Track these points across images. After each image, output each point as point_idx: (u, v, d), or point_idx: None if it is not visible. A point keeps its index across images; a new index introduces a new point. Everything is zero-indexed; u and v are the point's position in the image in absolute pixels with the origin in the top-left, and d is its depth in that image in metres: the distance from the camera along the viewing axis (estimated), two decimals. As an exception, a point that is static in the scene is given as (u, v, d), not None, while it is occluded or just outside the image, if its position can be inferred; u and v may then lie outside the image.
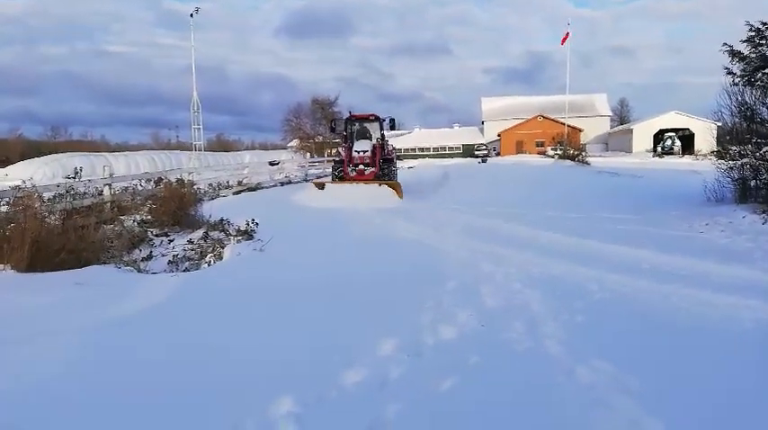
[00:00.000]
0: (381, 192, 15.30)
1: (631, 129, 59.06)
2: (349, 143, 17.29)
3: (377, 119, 18.12)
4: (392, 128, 17.87)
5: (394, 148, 19.25)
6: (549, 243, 8.01)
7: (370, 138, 17.46)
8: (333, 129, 19.57)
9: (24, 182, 8.60)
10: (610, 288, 5.49)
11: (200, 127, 40.03)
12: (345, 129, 17.97)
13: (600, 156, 44.41)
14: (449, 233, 9.34)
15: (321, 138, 48.78)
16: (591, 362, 3.69)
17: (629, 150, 55.03)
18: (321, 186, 16.23)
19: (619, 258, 6.84)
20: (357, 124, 17.98)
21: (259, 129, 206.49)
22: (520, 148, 60.77)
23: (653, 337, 4.17)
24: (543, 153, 48.50)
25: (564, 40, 51.57)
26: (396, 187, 15.58)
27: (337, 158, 18.23)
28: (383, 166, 16.66)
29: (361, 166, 16.05)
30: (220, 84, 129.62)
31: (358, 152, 16.27)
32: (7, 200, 8.16)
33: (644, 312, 4.75)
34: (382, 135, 17.87)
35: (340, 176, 16.79)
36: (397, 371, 3.62)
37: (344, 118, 18.04)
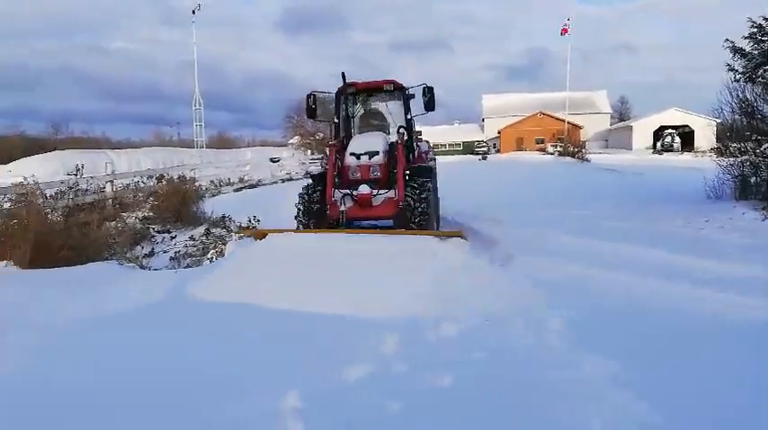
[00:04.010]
0: (421, 263, 5.88)
1: (631, 127, 59.06)
2: (340, 137, 8.49)
3: (398, 91, 8.66)
4: (429, 106, 8.24)
5: (430, 147, 10.05)
6: (548, 240, 8.02)
7: (383, 128, 8.90)
8: (312, 112, 8.63)
9: (26, 178, 8.64)
10: (605, 285, 5.52)
11: (202, 124, 40.15)
12: (338, 111, 8.75)
13: (600, 153, 44.46)
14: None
15: (322, 135, 48.73)
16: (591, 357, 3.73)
17: (628, 147, 55.04)
18: (262, 236, 7.01)
19: (616, 255, 6.85)
20: (360, 100, 9.27)
21: (260, 127, 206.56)
22: (520, 145, 60.76)
23: (652, 334, 4.21)
24: (543, 150, 48.52)
25: (564, 31, 51.61)
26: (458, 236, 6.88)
27: (315, 171, 8.79)
28: (413, 186, 7.44)
29: (364, 188, 7.33)
30: (220, 81, 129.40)
31: (356, 156, 7.69)
32: (9, 196, 8.20)
33: (638, 306, 4.79)
34: (409, 122, 8.59)
35: (309, 216, 7.64)
36: None
37: (337, 89, 8.59)
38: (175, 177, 13.03)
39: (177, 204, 11.28)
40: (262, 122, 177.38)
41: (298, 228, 7.55)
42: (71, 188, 10.27)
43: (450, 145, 67.07)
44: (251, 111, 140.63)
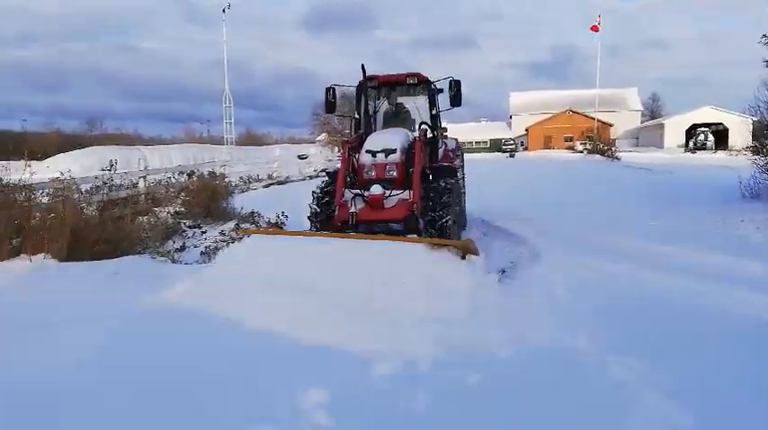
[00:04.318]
0: (419, 275, 5.20)
1: (663, 124, 57.94)
2: (359, 133, 8.09)
3: (423, 84, 8.27)
4: (456, 101, 7.88)
5: (458, 145, 9.57)
6: (579, 240, 7.94)
7: (407, 124, 8.54)
8: (331, 106, 8.38)
9: (63, 173, 8.87)
10: (639, 284, 5.45)
11: (232, 121, 40.67)
12: (358, 106, 8.37)
13: (630, 151, 43.70)
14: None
15: (348, 131, 48.83)
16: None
17: (660, 146, 54.00)
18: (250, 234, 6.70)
19: (649, 255, 6.75)
20: (384, 95, 8.75)
21: (287, 124, 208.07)
22: (548, 143, 60.14)
23: (680, 333, 4.15)
24: (572, 148, 47.98)
25: (594, 28, 50.82)
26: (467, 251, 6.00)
27: (331, 169, 8.17)
28: (433, 188, 6.98)
29: (376, 188, 6.67)
30: (248, 78, 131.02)
31: (372, 153, 7.09)
32: (47, 191, 8.44)
33: (674, 309, 4.72)
34: (434, 118, 8.36)
35: (319, 219, 7.17)
36: None
37: (358, 83, 8.06)
38: (206, 173, 13.25)
39: (207, 200, 11.46)
40: (289, 120, 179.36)
41: (311, 229, 7.07)
42: (105, 183, 10.51)
43: (476, 142, 66.69)
44: (278, 108, 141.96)
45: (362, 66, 7.78)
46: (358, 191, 6.82)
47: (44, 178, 9.02)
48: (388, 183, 6.80)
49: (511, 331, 4.26)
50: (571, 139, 56.23)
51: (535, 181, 19.18)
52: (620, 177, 19.99)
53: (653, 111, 79.65)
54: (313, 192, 7.44)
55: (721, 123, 50.45)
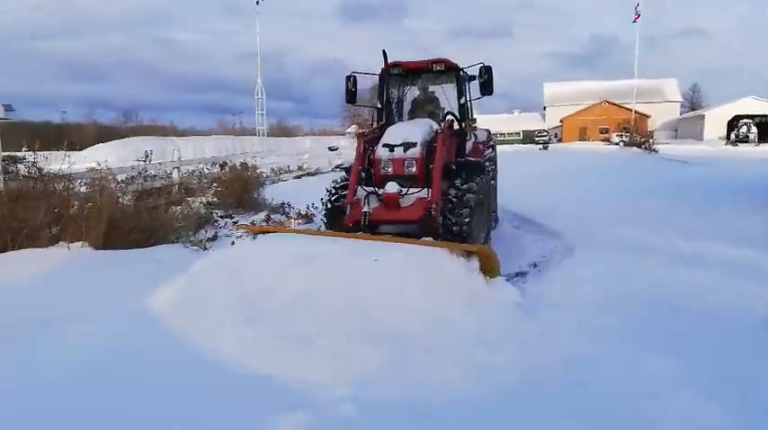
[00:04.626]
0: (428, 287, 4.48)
1: (703, 116, 56.27)
2: (378, 125, 7.58)
3: (451, 71, 7.63)
4: (487, 89, 7.25)
5: (491, 136, 8.95)
6: (616, 236, 7.76)
7: (436, 115, 7.72)
8: (351, 96, 7.76)
9: (100, 164, 9.07)
10: (676, 282, 5.29)
11: (264, 113, 41.02)
12: (381, 95, 7.77)
13: (668, 143, 42.55)
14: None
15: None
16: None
17: (699, 138, 52.45)
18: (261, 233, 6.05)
19: (680, 250, 6.54)
20: (409, 83, 8.16)
21: (318, 116, 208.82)
22: (583, 135, 59.04)
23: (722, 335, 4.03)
24: (607, 140, 46.95)
25: (636, 18, 49.50)
26: (489, 264, 5.08)
27: (346, 164, 8.41)
28: (456, 187, 6.30)
29: (392, 186, 6.07)
30: (280, 70, 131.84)
31: (389, 147, 6.45)
32: (85, 181, 8.64)
33: (712, 311, 4.58)
34: (463, 107, 7.65)
35: (332, 215, 6.73)
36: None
37: (380, 70, 7.56)
38: (238, 164, 13.40)
39: (239, 190, 11.62)
40: (320, 111, 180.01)
41: (327, 222, 6.77)
42: (140, 173, 10.72)
43: (509, 134, 65.89)
44: (310, 100, 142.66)
45: (384, 51, 7.27)
46: (372, 189, 6.24)
47: (82, 168, 9.24)
48: (406, 181, 6.19)
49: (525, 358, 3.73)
50: (607, 131, 55.11)
51: (568, 173, 18.83)
52: (658, 170, 19.47)
53: (693, 103, 77.50)
54: (327, 189, 6.99)
55: (766, 115, 48.70)
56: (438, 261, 4.74)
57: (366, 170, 6.63)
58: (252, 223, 9.40)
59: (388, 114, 7.85)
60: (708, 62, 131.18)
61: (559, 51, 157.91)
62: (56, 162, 8.92)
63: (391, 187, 6.00)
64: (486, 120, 67.19)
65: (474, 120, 8.00)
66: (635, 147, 33.20)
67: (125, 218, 8.05)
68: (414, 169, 6.27)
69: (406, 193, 6.05)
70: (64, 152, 9.32)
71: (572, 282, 5.37)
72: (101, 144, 26.52)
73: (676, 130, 61.98)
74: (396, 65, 7.54)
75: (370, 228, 5.87)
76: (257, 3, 40.50)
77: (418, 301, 4.22)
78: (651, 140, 35.10)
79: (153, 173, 11.60)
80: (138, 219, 8.21)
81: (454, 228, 5.97)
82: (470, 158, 7.35)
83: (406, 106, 8.26)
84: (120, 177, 10.19)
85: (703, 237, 7.07)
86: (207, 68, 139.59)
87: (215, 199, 11.63)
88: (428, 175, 6.18)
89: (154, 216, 8.79)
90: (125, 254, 7.21)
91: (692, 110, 69.74)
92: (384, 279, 4.38)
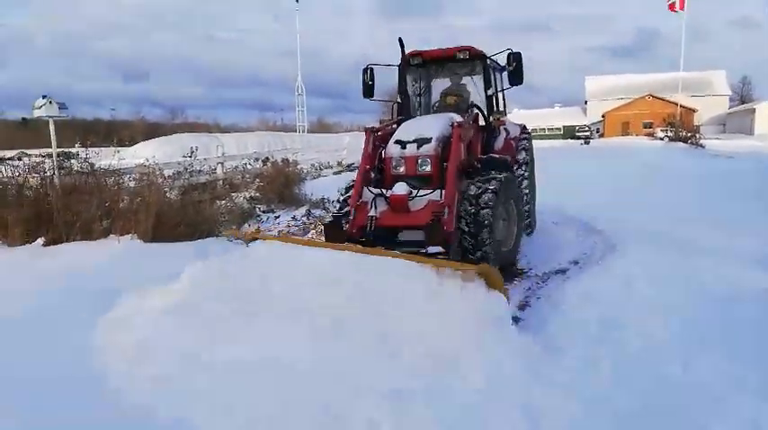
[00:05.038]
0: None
1: (754, 110, 54.11)
2: (392, 120, 7.01)
3: (476, 60, 6.96)
4: (516, 78, 6.54)
5: (526, 131, 8.24)
6: (655, 232, 7.63)
7: (461, 107, 7.03)
8: (369, 89, 7.07)
9: (147, 160, 9.41)
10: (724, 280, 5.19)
11: (304, 109, 41.54)
12: (401, 88, 7.08)
13: (716, 138, 41.11)
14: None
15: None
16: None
17: (749, 132, 50.46)
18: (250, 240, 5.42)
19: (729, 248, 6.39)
20: (431, 74, 7.72)
21: (357, 111, 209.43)
22: (626, 130, 57.57)
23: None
24: (651, 135, 45.67)
25: (671, 7, 47.76)
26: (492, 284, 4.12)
27: (356, 164, 7.34)
28: (473, 190, 5.63)
29: (400, 187, 5.39)
30: (320, 67, 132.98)
31: (402, 144, 5.85)
32: (134, 176, 8.98)
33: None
34: (491, 99, 7.03)
35: (335, 226, 5.50)
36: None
37: (400, 61, 6.75)
38: (279, 160, 13.65)
39: (281, 186, 11.85)
40: (359, 107, 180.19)
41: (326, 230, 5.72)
42: (186, 169, 11.05)
43: (549, 129, 64.85)
44: (348, 96, 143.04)
45: (400, 39, 6.56)
46: (380, 191, 5.55)
47: (131, 164, 9.59)
48: (421, 181, 5.53)
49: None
50: (650, 125, 53.59)
51: (609, 168, 18.47)
52: (705, 166, 18.89)
53: (743, 96, 74.52)
54: (339, 190, 6.60)
55: (821, 108, 46.61)
56: (429, 283, 3.93)
57: (380, 170, 6.02)
58: (293, 218, 9.59)
59: (409, 109, 7.21)
60: (759, 53, 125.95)
61: (602, 44, 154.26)
62: (106, 158, 9.29)
63: (399, 188, 5.36)
64: (526, 116, 66.37)
65: (502, 114, 7.36)
66: (680, 143, 32.24)
67: (172, 212, 8.32)
68: (428, 168, 5.62)
69: (416, 195, 5.38)
70: (114, 148, 9.70)
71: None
72: (147, 141, 27.37)
73: (724, 125, 59.84)
74: (415, 54, 6.94)
75: (375, 233, 5.21)
76: (297, 1, 41.04)
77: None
78: (697, 135, 34.04)
79: (198, 168, 11.93)
80: (183, 214, 8.46)
81: (470, 241, 5.38)
82: (495, 156, 6.72)
83: (428, 100, 7.68)
84: (167, 173, 10.53)
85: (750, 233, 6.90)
86: (249, 66, 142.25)
87: (257, 194, 11.89)
88: (438, 173, 5.58)
89: (198, 210, 9.06)
90: (172, 246, 7.45)
91: (742, 103, 67.11)
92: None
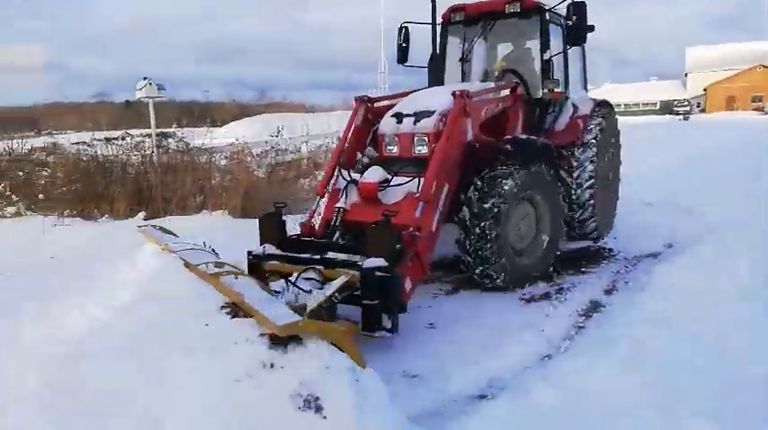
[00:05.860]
0: None
1: None
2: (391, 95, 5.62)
3: (531, 14, 5.56)
4: (578, 35, 5.33)
5: (604, 109, 6.36)
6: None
7: (518, 74, 5.68)
8: (403, 54, 6.26)
9: (237, 139, 9.83)
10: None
11: (386, 87, 41.67)
12: (440, 50, 6.10)
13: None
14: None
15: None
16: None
17: None
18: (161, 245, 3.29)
19: None
20: (478, 33, 5.79)
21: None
22: (730, 105, 53.35)
23: None
24: (761, 109, 42.14)
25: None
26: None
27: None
28: (472, 191, 4.56)
29: (373, 173, 4.30)
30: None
31: (398, 118, 4.60)
32: (225, 154, 9.43)
33: None
34: (547, 64, 5.49)
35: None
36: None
37: (431, 16, 5.71)
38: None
39: (363, 164, 12.00)
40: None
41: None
42: (273, 148, 11.44)
43: (644, 104, 61.30)
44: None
45: None
46: (350, 177, 4.44)
47: (222, 143, 10.07)
48: (418, 166, 4.29)
49: None
50: (760, 99, 49.38)
51: (712, 149, 17.25)
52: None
53: None
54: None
55: None
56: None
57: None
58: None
59: (449, 75, 6.12)
60: None
61: (706, 11, 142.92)
62: (199, 137, 9.79)
63: (372, 174, 4.27)
64: (618, 90, 62.94)
65: (556, 83, 5.63)
66: (794, 117, 29.56)
67: (258, 189, 8.68)
68: (424, 149, 4.42)
69: (387, 185, 4.24)
70: (206, 128, 10.20)
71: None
72: (235, 121, 28.53)
73: None
74: (457, 9, 5.82)
75: (341, 231, 4.24)
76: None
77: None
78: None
79: (284, 147, 12.30)
80: (270, 191, 8.80)
81: (477, 270, 4.51)
82: (531, 137, 5.10)
83: (475, 65, 5.85)
84: (254, 151, 10.96)
85: None
86: (335, 47, 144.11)
87: (340, 172, 12.11)
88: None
89: (284, 188, 9.38)
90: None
91: None
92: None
